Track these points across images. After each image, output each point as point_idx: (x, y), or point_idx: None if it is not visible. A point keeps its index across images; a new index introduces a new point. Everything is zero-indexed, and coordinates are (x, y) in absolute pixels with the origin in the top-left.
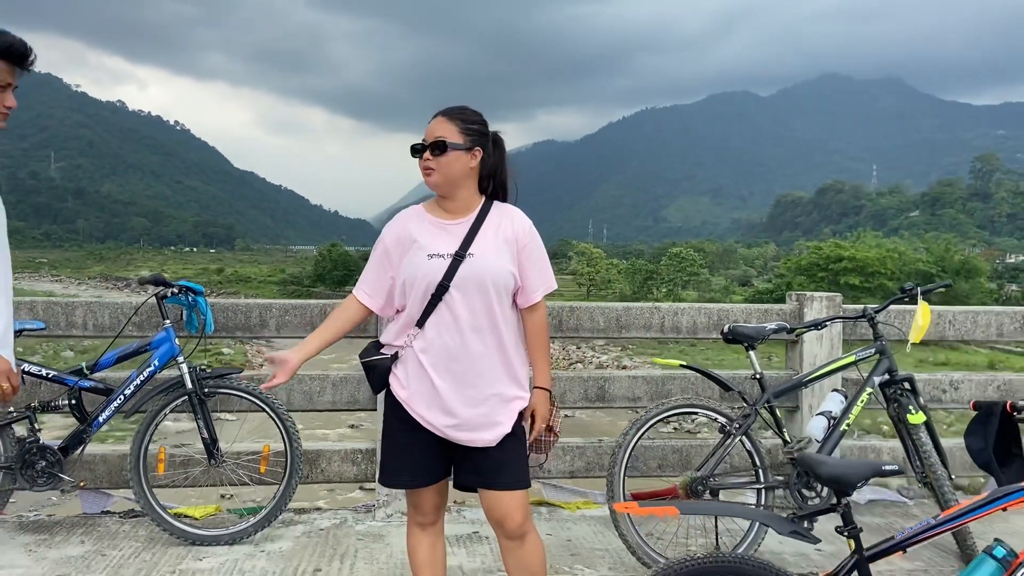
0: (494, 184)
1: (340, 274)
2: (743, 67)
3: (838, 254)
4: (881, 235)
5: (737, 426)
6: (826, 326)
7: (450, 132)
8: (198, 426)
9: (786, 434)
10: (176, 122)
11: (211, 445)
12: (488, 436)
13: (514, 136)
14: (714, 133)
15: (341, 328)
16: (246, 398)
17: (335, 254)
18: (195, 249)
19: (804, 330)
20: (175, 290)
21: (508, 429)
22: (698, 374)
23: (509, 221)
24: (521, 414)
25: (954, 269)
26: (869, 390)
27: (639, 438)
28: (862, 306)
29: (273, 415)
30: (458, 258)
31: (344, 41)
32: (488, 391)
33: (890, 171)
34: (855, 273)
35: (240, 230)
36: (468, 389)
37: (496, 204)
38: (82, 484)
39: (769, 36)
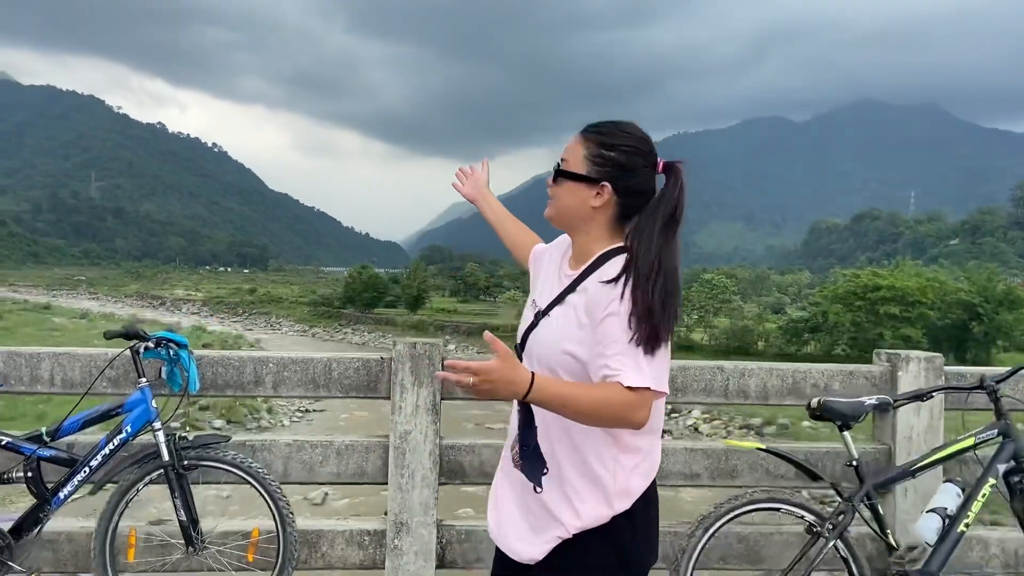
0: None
1: (370, 296)
2: (777, 92)
3: (876, 283)
4: (920, 264)
5: (831, 527)
6: (932, 396)
7: (575, 157)
8: (175, 505)
9: (891, 536)
10: (214, 144)
11: (190, 528)
12: (523, 550)
13: (545, 160)
14: (747, 159)
15: (516, 229)
16: (232, 472)
17: (365, 276)
18: (229, 269)
19: (905, 402)
20: (151, 344)
21: (545, 551)
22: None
23: (595, 281)
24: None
25: (997, 299)
26: (992, 481)
27: (707, 540)
28: (976, 371)
29: (262, 491)
30: (538, 318)
31: (379, 66)
32: (529, 498)
33: (928, 198)
34: (894, 303)
35: (273, 251)
36: (516, 486)
37: (614, 258)
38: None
39: (803, 62)
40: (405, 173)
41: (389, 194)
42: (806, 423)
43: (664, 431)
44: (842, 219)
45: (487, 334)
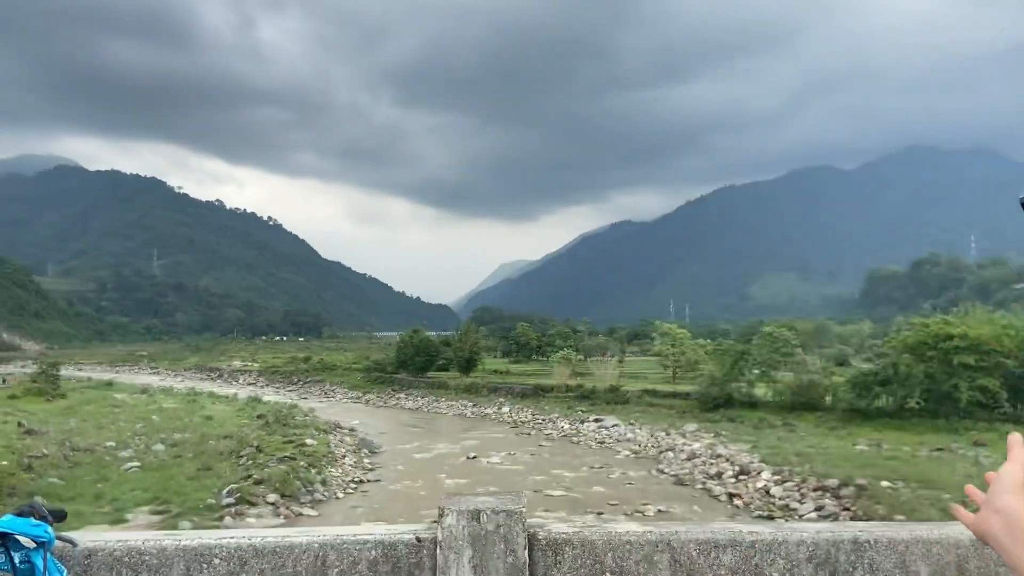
0: None
1: (422, 360)
2: (823, 141)
3: (947, 331)
4: (989, 309)
5: None
6: None
7: None
8: None
9: None
10: (269, 217)
11: None
12: None
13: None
14: (797, 208)
15: None
16: None
17: (417, 340)
18: (285, 338)
19: None
20: None
21: None
22: None
23: None
24: None
25: None
26: None
27: None
28: None
29: None
30: None
31: (424, 135)
32: None
33: (989, 242)
34: (968, 352)
35: (327, 318)
36: None
37: None
38: None
39: (847, 110)
40: (453, 236)
41: (438, 257)
42: (885, 483)
43: (734, 495)
44: (900, 266)
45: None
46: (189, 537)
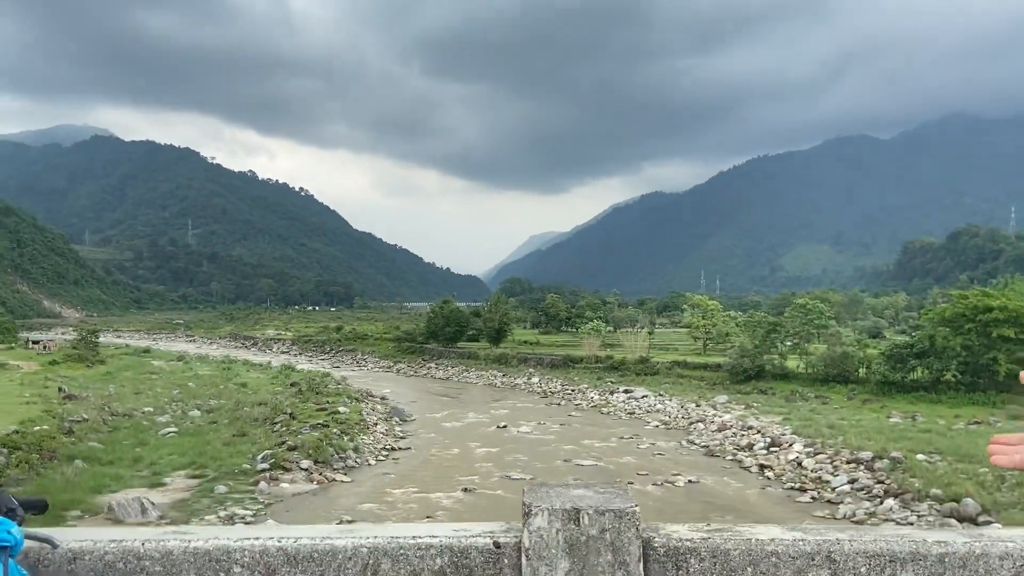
0: None
1: (452, 330)
2: (859, 111)
3: (986, 304)
4: None
5: None
6: None
7: None
8: None
9: None
10: (301, 188)
11: None
12: None
13: (621, 189)
14: (832, 179)
15: None
16: None
17: (447, 310)
18: (316, 308)
19: None
20: None
21: None
22: None
23: None
24: None
25: None
26: None
27: None
28: None
29: None
30: None
31: (455, 106)
32: None
33: None
34: (1008, 324)
35: (358, 288)
36: None
37: None
38: None
39: (885, 79)
40: (483, 208)
41: (468, 229)
42: (920, 456)
43: (766, 467)
44: (937, 237)
45: None
46: (201, 537)
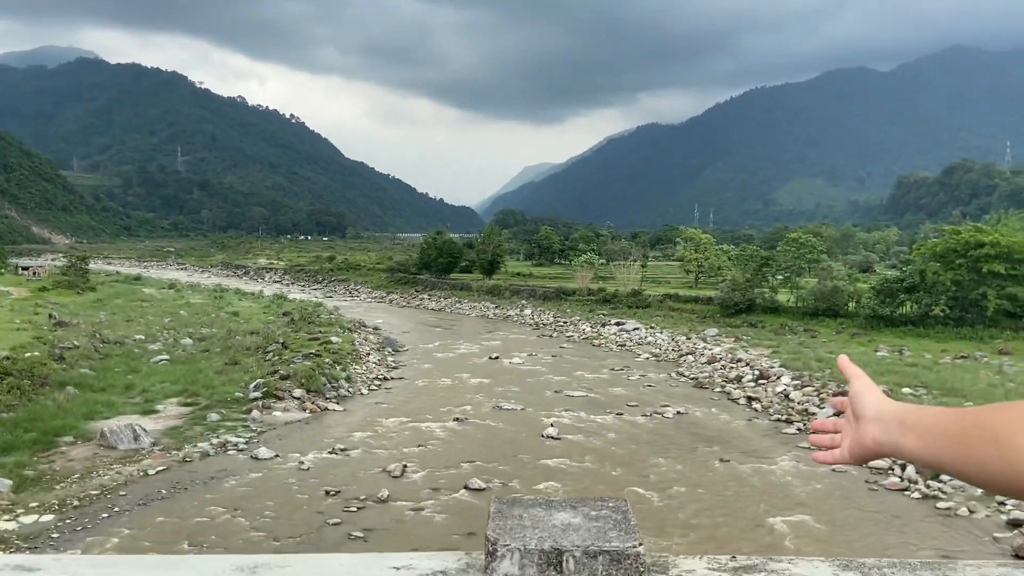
0: None
1: (445, 261)
2: (858, 42)
3: (978, 239)
4: (1022, 216)
5: None
6: None
7: None
8: None
9: None
10: (292, 115)
11: None
12: None
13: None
14: (828, 112)
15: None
16: None
17: (440, 241)
18: (309, 237)
19: None
20: None
21: None
22: None
23: None
24: None
25: None
26: None
27: None
28: None
29: None
30: None
31: (450, 32)
32: None
33: None
34: (999, 260)
35: (351, 218)
36: None
37: None
38: None
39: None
40: (478, 138)
41: (462, 159)
42: (906, 389)
43: (753, 399)
44: (932, 172)
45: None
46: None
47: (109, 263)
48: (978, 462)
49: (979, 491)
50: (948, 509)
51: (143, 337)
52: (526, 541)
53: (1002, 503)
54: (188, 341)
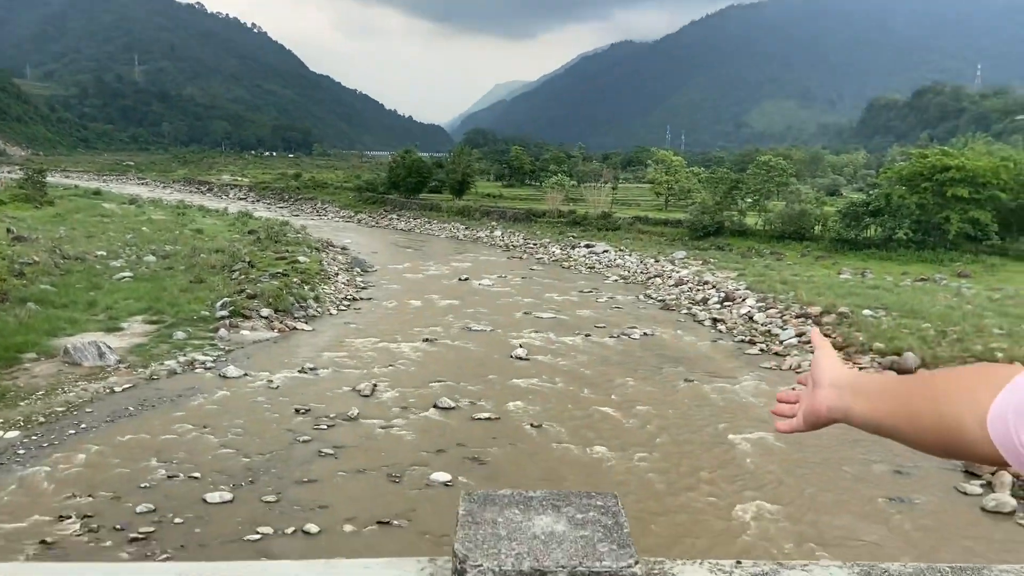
0: None
1: (414, 181)
2: None
3: (944, 163)
4: (988, 140)
5: None
6: None
7: None
8: None
9: None
10: (253, 24)
11: None
12: None
13: (590, 37)
14: (804, 33)
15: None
16: None
17: (409, 160)
18: (274, 154)
19: None
20: None
21: None
22: None
23: None
24: None
25: None
26: None
27: None
28: None
29: None
30: None
31: None
32: None
33: (997, 72)
34: (964, 184)
35: (317, 135)
36: None
37: None
38: None
39: None
40: (448, 53)
41: (432, 75)
42: (867, 311)
43: (719, 320)
44: (903, 95)
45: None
46: None
47: (67, 176)
48: (915, 421)
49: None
50: None
51: (105, 253)
52: (501, 559)
53: None
54: (151, 258)
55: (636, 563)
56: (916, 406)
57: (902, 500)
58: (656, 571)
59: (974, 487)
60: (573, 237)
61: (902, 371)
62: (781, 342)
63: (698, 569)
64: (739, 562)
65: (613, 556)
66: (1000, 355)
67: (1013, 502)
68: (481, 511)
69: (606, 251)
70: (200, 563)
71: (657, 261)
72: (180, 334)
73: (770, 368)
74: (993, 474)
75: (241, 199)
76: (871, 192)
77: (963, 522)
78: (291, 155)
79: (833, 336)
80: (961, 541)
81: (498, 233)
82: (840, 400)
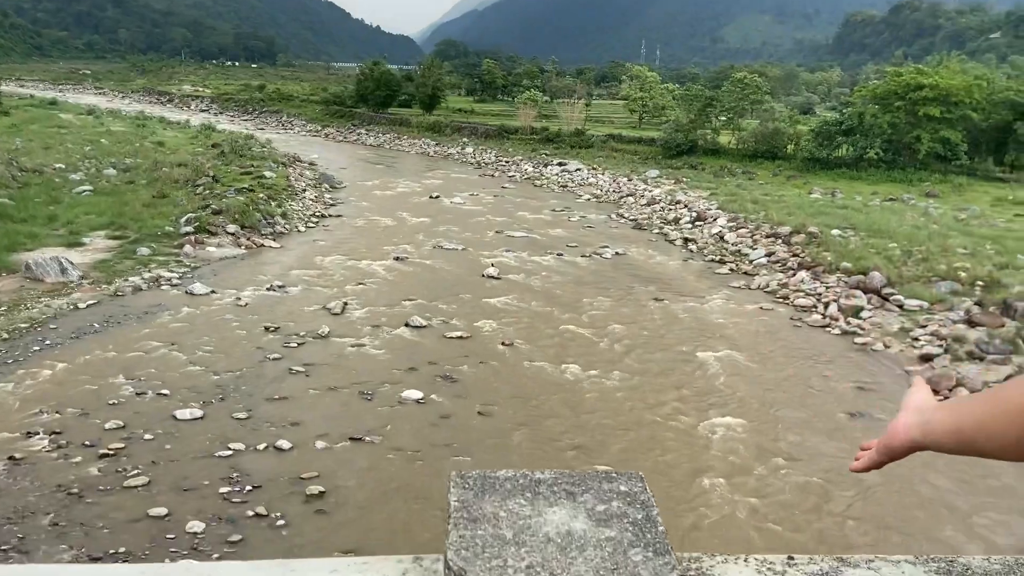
0: None
1: (383, 94)
2: None
3: (918, 81)
4: (962, 58)
5: None
6: None
7: None
8: None
9: None
10: None
11: None
12: None
13: None
14: None
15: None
16: None
17: (377, 73)
18: (236, 63)
19: None
20: None
21: None
22: None
23: None
24: None
25: None
26: None
27: None
28: None
29: None
30: None
31: None
32: None
33: None
34: (936, 103)
35: (281, 44)
36: None
37: None
38: None
39: None
40: None
41: None
42: (835, 231)
43: (690, 240)
44: (879, 10)
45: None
46: None
47: (22, 86)
48: (999, 429)
49: (895, 327)
50: (865, 344)
51: (63, 166)
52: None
53: (915, 339)
54: (112, 172)
55: (674, 571)
56: (999, 415)
57: (863, 415)
58: (693, 570)
59: None
60: (546, 155)
61: (867, 290)
62: (751, 262)
63: (743, 568)
64: (791, 558)
65: (651, 568)
66: (963, 275)
67: None
68: (479, 502)
69: (579, 169)
70: (157, 564)
71: (630, 180)
72: (144, 250)
73: (739, 287)
74: (951, 391)
75: (203, 111)
76: (844, 111)
77: None
78: (254, 65)
79: (802, 256)
80: (918, 455)
81: (469, 150)
82: (920, 415)
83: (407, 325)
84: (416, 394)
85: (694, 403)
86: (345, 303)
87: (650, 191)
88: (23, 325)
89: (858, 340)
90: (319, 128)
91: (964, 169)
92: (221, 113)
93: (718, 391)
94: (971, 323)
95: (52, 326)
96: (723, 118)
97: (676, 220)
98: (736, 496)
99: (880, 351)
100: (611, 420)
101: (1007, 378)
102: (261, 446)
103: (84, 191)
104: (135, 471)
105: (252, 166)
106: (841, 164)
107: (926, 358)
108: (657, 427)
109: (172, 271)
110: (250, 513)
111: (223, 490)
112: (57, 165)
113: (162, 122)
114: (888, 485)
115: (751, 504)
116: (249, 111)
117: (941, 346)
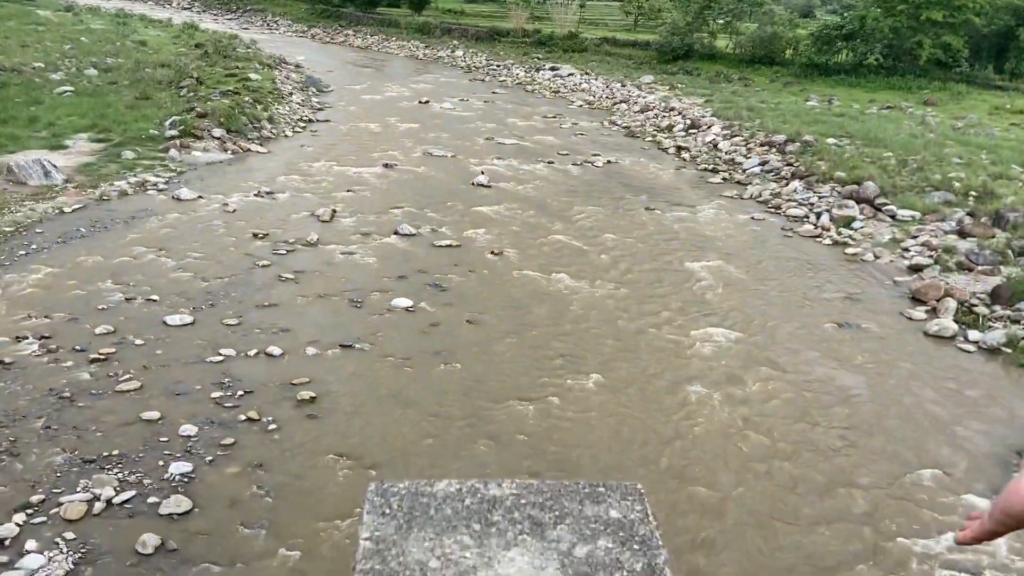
0: None
1: None
2: None
3: None
4: None
5: None
6: None
7: None
8: None
9: None
10: None
11: None
12: None
13: None
14: None
15: None
16: None
17: None
18: None
19: None
20: None
21: None
22: None
23: None
24: None
25: None
26: None
27: None
28: None
29: None
30: None
31: None
32: None
33: None
34: (939, 7)
35: None
36: None
37: None
38: None
39: None
40: None
41: None
42: (831, 140)
43: (683, 148)
44: None
45: None
46: None
47: None
48: None
49: (886, 237)
50: (855, 255)
51: (42, 65)
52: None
53: (906, 249)
54: (93, 72)
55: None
56: None
57: (851, 326)
58: None
59: (919, 313)
60: (538, 59)
61: (860, 200)
62: (744, 171)
63: None
64: None
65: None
66: (957, 185)
67: (955, 327)
68: (402, 541)
69: (571, 74)
70: None
71: (624, 86)
72: (129, 153)
73: (731, 197)
74: (939, 300)
75: (186, 9)
76: (846, 15)
77: (907, 346)
78: None
79: (796, 165)
80: (904, 365)
81: (460, 53)
82: None
83: (396, 233)
84: (405, 302)
85: (683, 312)
86: (334, 210)
87: (644, 97)
88: (7, 229)
89: (848, 250)
90: (305, 29)
91: (964, 76)
92: (204, 12)
93: (707, 301)
94: (962, 234)
95: (38, 230)
96: (721, 21)
97: (670, 128)
98: (722, 405)
99: (870, 261)
100: (599, 329)
101: (993, 288)
102: (252, 352)
103: (65, 91)
104: (127, 376)
105: (237, 68)
106: (840, 70)
107: (915, 268)
108: (645, 336)
109: (158, 175)
110: (242, 418)
111: (215, 395)
112: (36, 64)
113: (143, 20)
114: (875, 399)
115: (738, 413)
116: (233, 9)
117: (931, 256)
